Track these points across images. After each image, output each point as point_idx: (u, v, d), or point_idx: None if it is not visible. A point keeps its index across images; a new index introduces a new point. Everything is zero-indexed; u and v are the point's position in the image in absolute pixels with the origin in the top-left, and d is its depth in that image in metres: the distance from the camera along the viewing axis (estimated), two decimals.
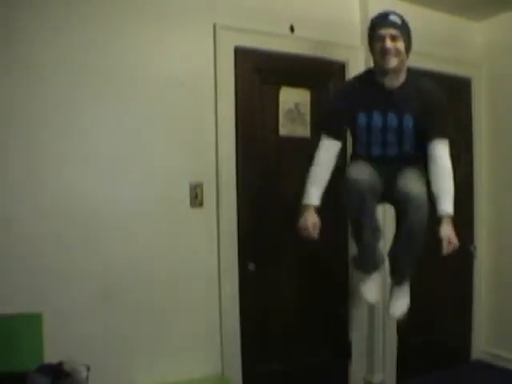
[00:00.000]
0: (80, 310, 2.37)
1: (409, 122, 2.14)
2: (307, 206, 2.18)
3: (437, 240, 2.08)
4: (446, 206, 2.09)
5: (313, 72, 3.06)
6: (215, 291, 2.74)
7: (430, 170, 2.15)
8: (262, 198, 2.91)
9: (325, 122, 2.31)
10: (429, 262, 3.43)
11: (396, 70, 2.13)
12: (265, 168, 2.92)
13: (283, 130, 2.98)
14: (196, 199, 2.69)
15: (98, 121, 2.46)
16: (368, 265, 2.30)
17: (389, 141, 2.18)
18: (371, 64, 2.32)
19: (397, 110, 2.14)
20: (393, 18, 2.14)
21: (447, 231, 2.07)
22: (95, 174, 2.44)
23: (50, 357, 2.17)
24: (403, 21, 2.17)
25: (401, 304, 2.30)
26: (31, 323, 2.21)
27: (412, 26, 3.33)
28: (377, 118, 2.16)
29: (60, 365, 2.09)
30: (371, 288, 2.30)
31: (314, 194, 2.18)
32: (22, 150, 2.28)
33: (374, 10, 3.16)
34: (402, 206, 2.08)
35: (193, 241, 2.68)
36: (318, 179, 2.19)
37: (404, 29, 2.16)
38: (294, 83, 3.01)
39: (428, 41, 3.41)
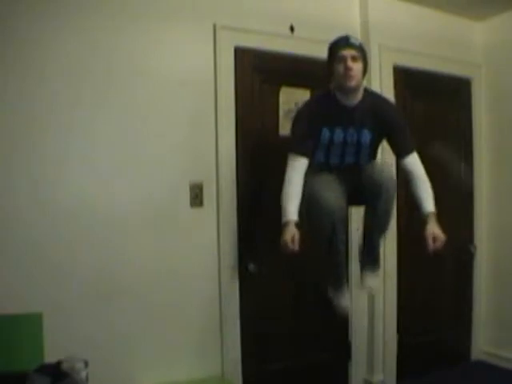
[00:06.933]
0: (80, 310, 2.37)
1: (366, 136, 2.33)
2: (287, 223, 2.22)
3: (423, 239, 2.20)
4: (428, 205, 2.26)
5: (313, 72, 3.05)
6: (215, 291, 2.74)
7: (409, 181, 2.33)
8: (262, 198, 2.91)
9: (294, 144, 2.39)
10: (429, 262, 3.49)
11: (355, 89, 2.26)
12: (265, 168, 2.92)
13: (283, 130, 2.97)
14: (196, 199, 2.69)
15: (97, 120, 2.46)
16: (341, 282, 2.43)
17: (347, 152, 2.37)
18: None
19: (356, 125, 2.31)
20: (353, 40, 2.26)
21: (431, 228, 2.21)
22: (95, 174, 2.44)
23: (50, 357, 2.16)
24: (361, 44, 2.29)
25: (374, 280, 2.49)
26: (31, 323, 2.21)
27: (412, 25, 3.39)
28: (339, 134, 2.32)
29: (58, 364, 2.09)
30: (342, 298, 2.43)
31: (291, 211, 2.23)
32: (23, 149, 2.28)
33: (374, 10, 3.22)
34: (375, 188, 2.24)
35: (193, 241, 2.68)
36: (293, 197, 2.26)
37: (362, 52, 2.27)
38: (294, 83, 3.01)
39: (428, 41, 3.42)
